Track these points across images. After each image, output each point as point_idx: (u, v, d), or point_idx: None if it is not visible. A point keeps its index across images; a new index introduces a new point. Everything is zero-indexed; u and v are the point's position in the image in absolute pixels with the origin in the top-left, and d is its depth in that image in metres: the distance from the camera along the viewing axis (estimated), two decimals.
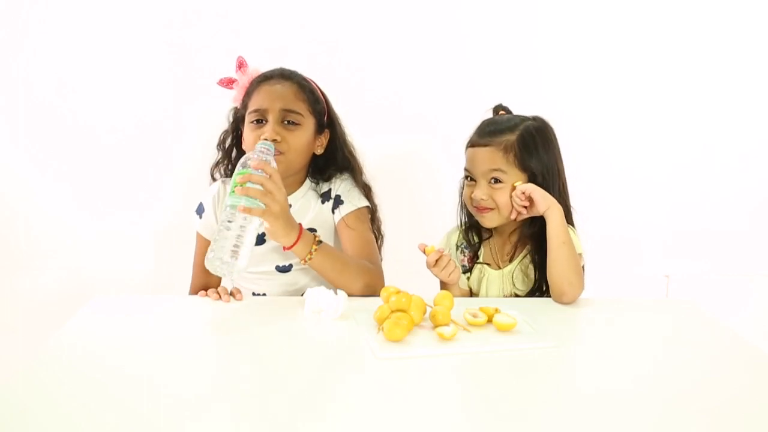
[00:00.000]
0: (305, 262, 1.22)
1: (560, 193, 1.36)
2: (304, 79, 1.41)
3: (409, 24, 1.90)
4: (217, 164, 1.48)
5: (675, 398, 0.88)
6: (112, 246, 1.92)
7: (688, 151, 2.03)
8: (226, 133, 1.47)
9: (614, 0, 1.93)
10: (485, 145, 1.34)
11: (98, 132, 1.87)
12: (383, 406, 0.84)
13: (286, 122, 1.34)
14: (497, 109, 1.44)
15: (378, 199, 1.50)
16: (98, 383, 0.88)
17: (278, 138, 1.31)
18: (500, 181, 1.33)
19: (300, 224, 1.21)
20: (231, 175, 1.46)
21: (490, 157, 1.33)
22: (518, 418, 0.82)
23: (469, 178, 1.38)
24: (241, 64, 1.40)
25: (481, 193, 1.34)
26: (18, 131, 1.85)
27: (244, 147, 1.40)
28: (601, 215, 1.94)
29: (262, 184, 1.11)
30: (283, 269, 1.41)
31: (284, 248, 1.21)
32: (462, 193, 1.45)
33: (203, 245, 1.46)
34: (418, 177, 1.97)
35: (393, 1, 1.88)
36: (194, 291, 1.44)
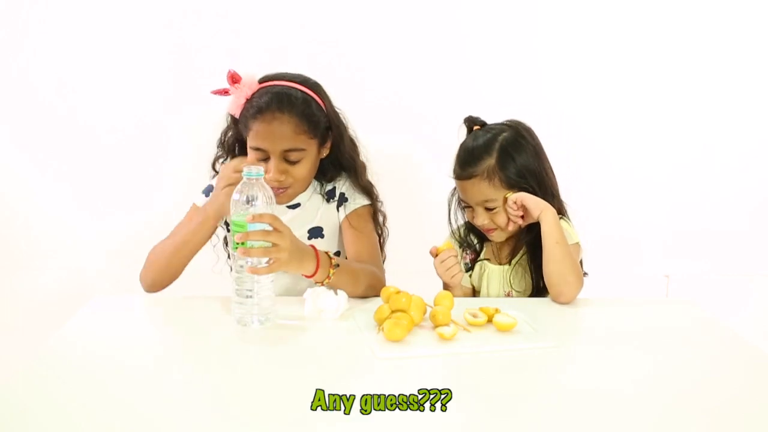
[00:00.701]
0: (322, 284, 1.20)
1: (550, 190, 1.36)
2: (303, 101, 1.31)
3: (409, 24, 1.90)
4: (217, 158, 1.47)
5: (675, 398, 0.88)
6: (112, 246, 1.92)
7: (688, 151, 2.03)
8: (225, 131, 1.45)
9: (614, 0, 1.93)
10: (468, 178, 1.35)
11: (98, 132, 1.87)
12: (383, 406, 0.84)
13: (288, 160, 1.32)
14: (470, 123, 1.42)
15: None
16: (98, 383, 0.88)
17: (282, 178, 1.31)
18: (494, 208, 1.35)
19: (315, 250, 1.17)
20: None
21: (478, 190, 1.34)
22: (518, 418, 0.82)
23: (465, 206, 1.41)
24: (233, 78, 1.31)
25: (481, 220, 1.37)
26: (18, 131, 1.85)
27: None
28: (601, 215, 1.94)
29: (263, 239, 1.06)
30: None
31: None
32: (452, 201, 1.48)
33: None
34: (418, 177, 1.97)
35: (393, 2, 1.88)
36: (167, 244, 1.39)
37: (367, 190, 1.45)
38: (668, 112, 2.01)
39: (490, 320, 1.10)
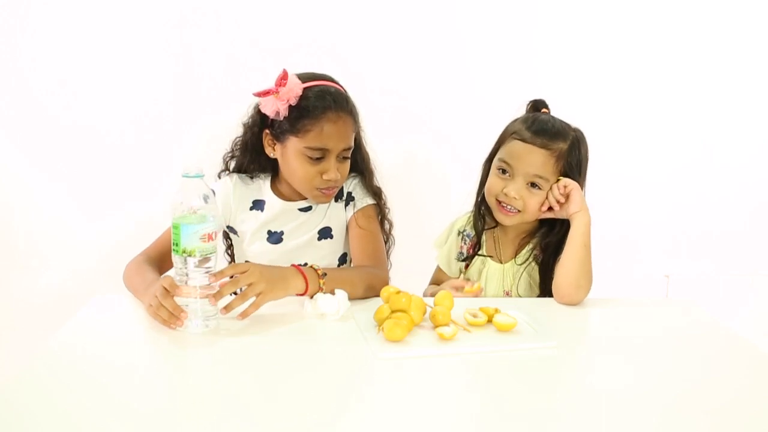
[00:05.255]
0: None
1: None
2: (353, 104, 1.37)
3: (410, 25, 1.90)
4: (232, 156, 1.46)
5: (675, 398, 0.88)
6: (111, 246, 1.92)
7: (689, 152, 2.03)
8: (246, 131, 1.42)
9: (614, 1, 1.93)
10: (541, 147, 1.30)
11: (98, 132, 1.87)
12: (383, 406, 0.84)
13: (342, 157, 1.35)
14: (538, 105, 1.40)
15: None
16: (98, 383, 0.88)
17: (339, 176, 1.34)
18: (539, 187, 1.31)
19: (298, 268, 1.18)
20: (242, 171, 1.45)
21: (542, 162, 1.30)
22: (518, 418, 0.82)
23: (503, 171, 1.34)
24: (283, 78, 1.29)
25: (515, 191, 1.31)
26: (18, 131, 1.85)
27: (287, 173, 1.38)
28: (601, 215, 1.92)
29: (234, 288, 1.09)
30: None
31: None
32: (483, 180, 1.40)
33: None
34: (419, 177, 1.97)
35: (393, 2, 1.88)
36: (148, 257, 1.37)
37: (376, 192, 1.46)
38: (668, 113, 2.01)
39: (490, 320, 1.10)
